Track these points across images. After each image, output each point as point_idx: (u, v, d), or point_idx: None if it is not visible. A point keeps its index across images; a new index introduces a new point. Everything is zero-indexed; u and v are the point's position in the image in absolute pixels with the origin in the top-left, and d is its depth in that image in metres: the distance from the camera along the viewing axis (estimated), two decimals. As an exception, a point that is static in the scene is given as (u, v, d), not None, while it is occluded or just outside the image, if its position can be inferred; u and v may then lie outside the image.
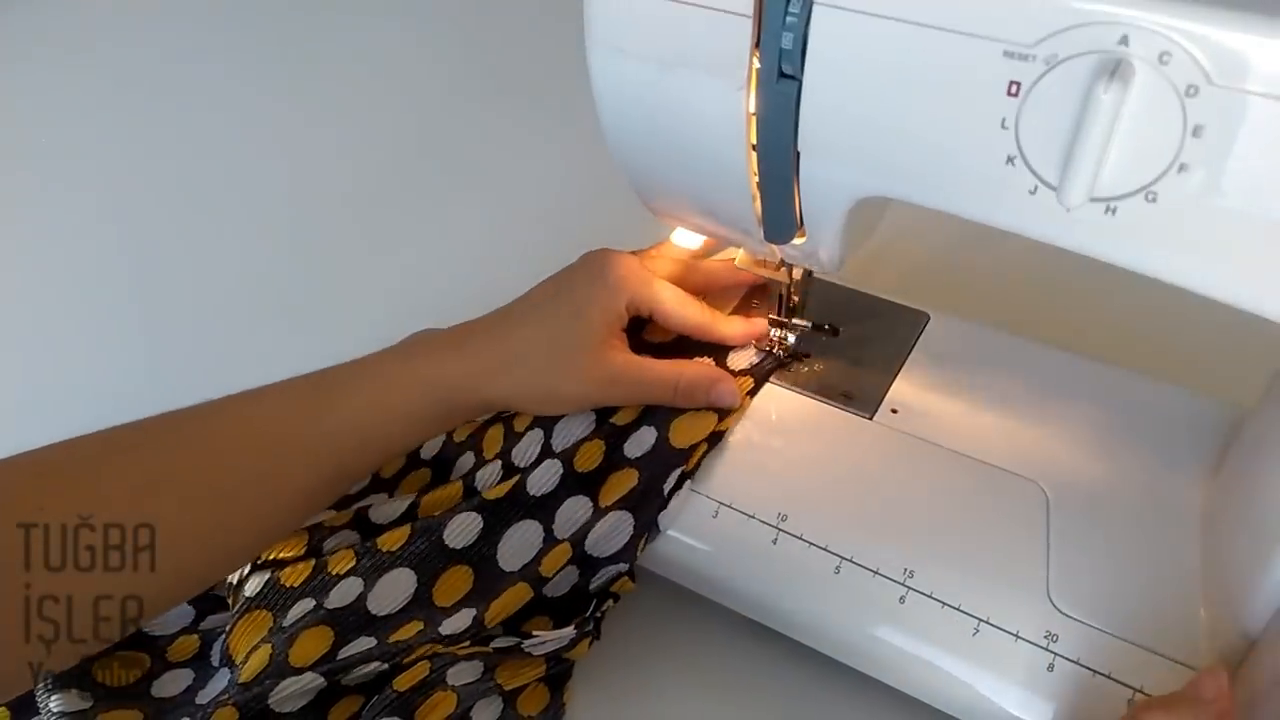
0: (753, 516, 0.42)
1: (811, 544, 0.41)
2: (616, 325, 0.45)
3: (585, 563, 0.43)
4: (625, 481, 0.43)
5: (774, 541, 0.41)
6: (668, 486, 0.43)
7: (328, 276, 0.66)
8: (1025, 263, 0.55)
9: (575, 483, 0.44)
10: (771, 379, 0.47)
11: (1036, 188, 0.29)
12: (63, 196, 0.75)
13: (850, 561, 0.40)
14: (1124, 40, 0.25)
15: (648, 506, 0.43)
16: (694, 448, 0.43)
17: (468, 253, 0.67)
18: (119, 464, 0.38)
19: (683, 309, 0.46)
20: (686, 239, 0.48)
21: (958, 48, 0.28)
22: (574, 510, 0.43)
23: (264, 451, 0.40)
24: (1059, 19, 0.26)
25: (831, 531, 0.41)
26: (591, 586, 0.43)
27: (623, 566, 0.42)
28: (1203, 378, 0.45)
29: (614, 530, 0.43)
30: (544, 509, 0.43)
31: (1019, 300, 0.55)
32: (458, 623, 0.41)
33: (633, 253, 0.49)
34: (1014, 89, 0.27)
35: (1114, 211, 0.28)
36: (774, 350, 0.47)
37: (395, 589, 0.42)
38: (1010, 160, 0.28)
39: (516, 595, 0.42)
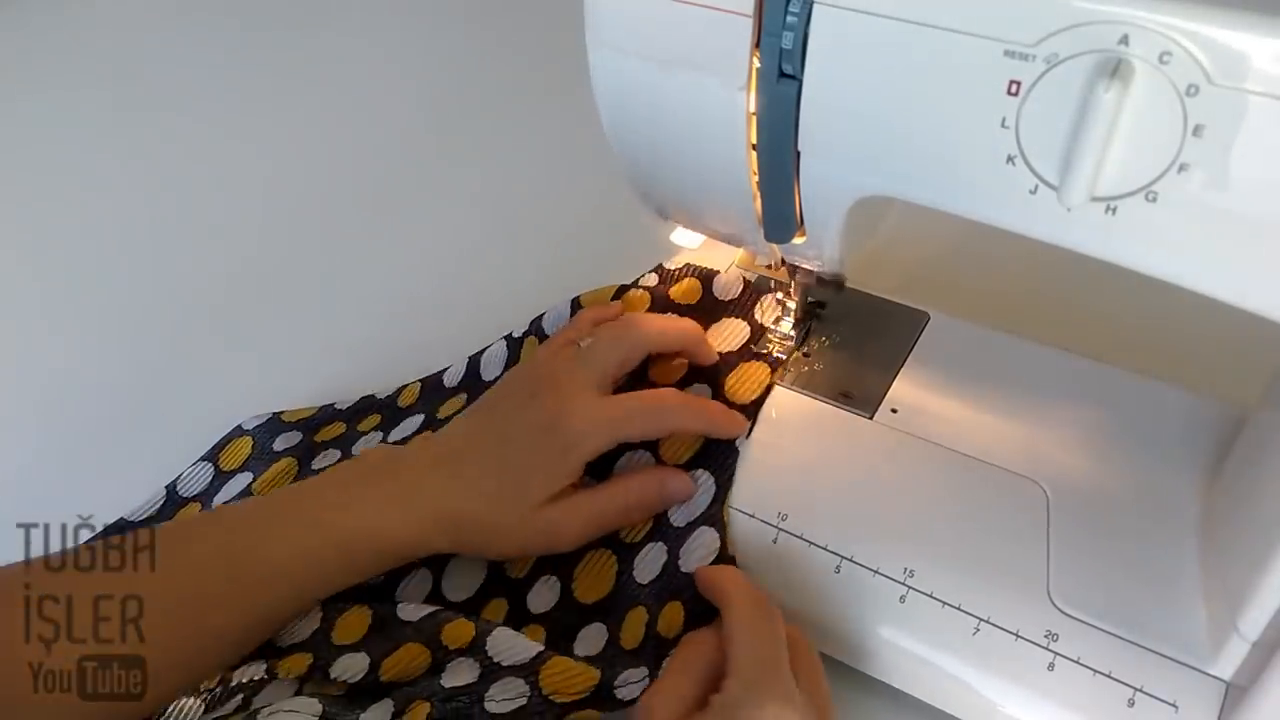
0: (753, 516, 0.42)
1: (811, 544, 0.41)
2: (570, 481, 0.42)
3: (669, 533, 0.42)
4: (688, 439, 0.44)
5: (774, 541, 0.41)
6: (740, 439, 0.44)
7: (328, 277, 0.66)
8: (1025, 263, 0.55)
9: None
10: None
11: (1037, 187, 0.29)
12: (60, 196, 0.75)
13: (850, 561, 0.40)
14: (1124, 40, 0.25)
15: (723, 461, 0.43)
16: (755, 402, 0.45)
17: (468, 254, 0.67)
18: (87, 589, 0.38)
19: (653, 421, 0.43)
20: (686, 239, 0.48)
21: (958, 47, 0.28)
22: (632, 463, 0.44)
23: (200, 589, 0.39)
24: (1059, 18, 0.26)
25: (831, 531, 0.41)
26: (682, 565, 0.41)
27: (713, 539, 0.41)
28: (1203, 378, 0.45)
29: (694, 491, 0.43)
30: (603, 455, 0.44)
31: (1019, 300, 0.55)
32: (541, 599, 0.43)
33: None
34: (1014, 88, 0.27)
35: (1114, 211, 0.28)
36: (772, 351, 0.48)
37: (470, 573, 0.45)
38: (1010, 160, 0.28)
39: (600, 564, 0.42)
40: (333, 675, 0.39)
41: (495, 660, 0.39)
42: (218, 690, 0.38)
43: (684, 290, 0.50)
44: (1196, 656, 0.36)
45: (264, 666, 0.39)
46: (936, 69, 0.28)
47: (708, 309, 0.49)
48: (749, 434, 0.44)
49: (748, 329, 0.48)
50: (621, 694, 0.38)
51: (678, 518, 0.43)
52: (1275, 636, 0.33)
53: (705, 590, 0.39)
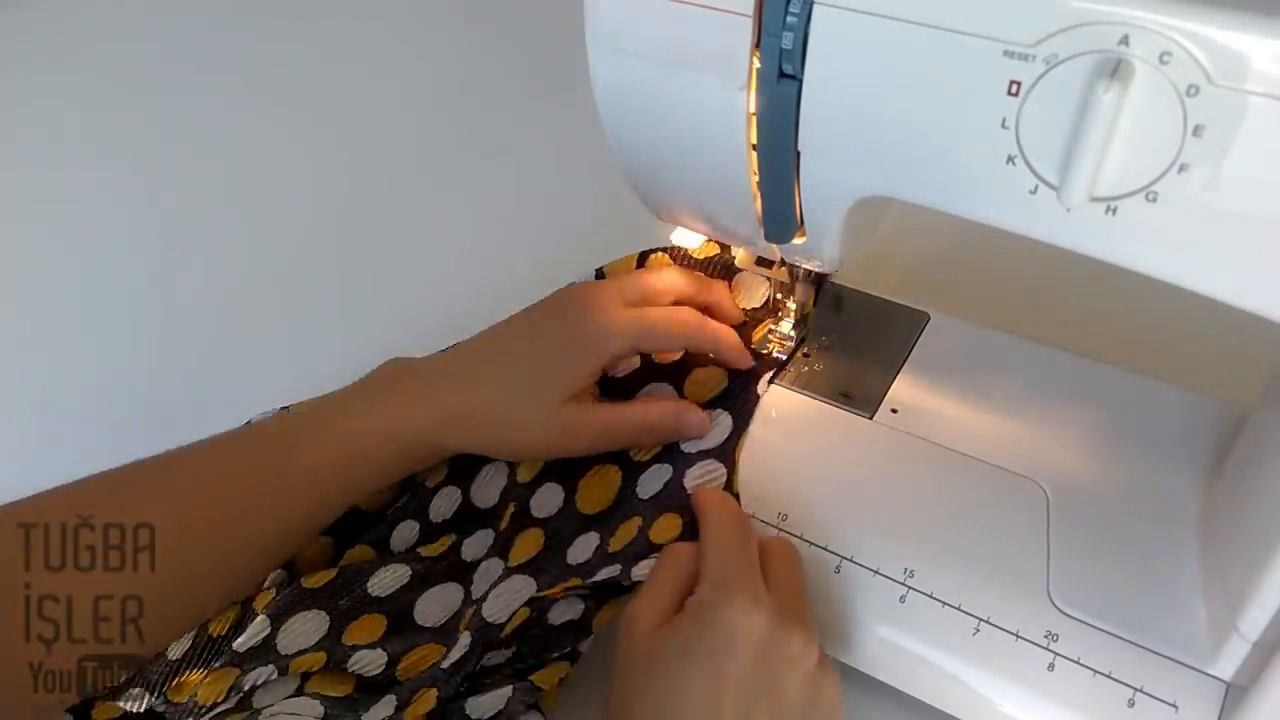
0: (753, 516, 0.42)
1: (812, 543, 0.41)
2: (589, 381, 0.44)
3: (677, 458, 0.43)
4: (712, 378, 0.46)
5: (774, 541, 0.41)
6: (761, 388, 0.45)
7: (329, 276, 0.66)
8: (1025, 263, 0.55)
9: (656, 373, 0.46)
10: (772, 379, 0.47)
11: (1037, 187, 0.29)
12: (64, 196, 0.75)
13: (850, 561, 0.40)
14: (1124, 40, 0.25)
15: (743, 405, 0.44)
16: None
17: (469, 253, 0.67)
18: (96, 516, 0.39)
19: (673, 330, 0.45)
20: (686, 239, 0.48)
21: (958, 47, 0.28)
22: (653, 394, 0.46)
23: (230, 499, 0.41)
24: (1059, 19, 0.26)
25: (831, 531, 0.41)
26: (686, 482, 0.42)
27: (719, 468, 0.43)
28: (1203, 378, 0.45)
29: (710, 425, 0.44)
30: (625, 389, 0.45)
31: (1019, 300, 0.55)
32: (542, 505, 0.44)
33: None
34: (1014, 89, 0.27)
35: (1114, 211, 0.28)
36: (772, 352, 0.48)
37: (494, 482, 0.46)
38: (1010, 160, 0.28)
39: (604, 477, 0.44)
40: (350, 669, 0.40)
41: (491, 622, 0.40)
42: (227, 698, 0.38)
43: (704, 249, 0.51)
44: (1196, 656, 0.36)
45: (274, 670, 0.39)
46: (936, 69, 0.28)
47: (728, 265, 0.50)
48: (771, 383, 0.46)
49: (768, 284, 0.49)
50: (597, 578, 0.40)
51: (689, 446, 0.44)
52: (1275, 636, 0.33)
53: (696, 510, 0.41)
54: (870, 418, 0.45)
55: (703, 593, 0.36)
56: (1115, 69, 0.25)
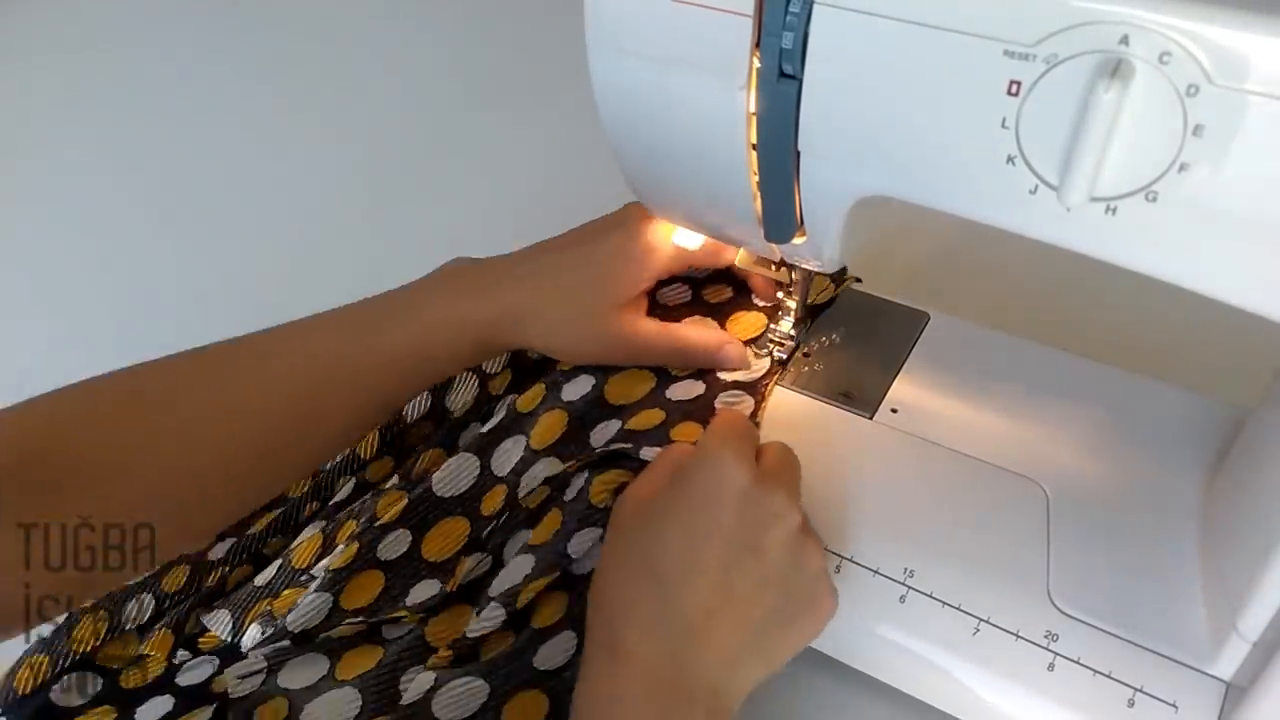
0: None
1: (812, 544, 0.41)
2: (644, 287, 0.46)
3: (710, 379, 0.46)
4: (755, 321, 0.48)
5: (774, 541, 0.41)
6: (801, 334, 0.48)
7: (329, 278, 0.66)
8: (1025, 263, 0.55)
9: (702, 309, 0.48)
10: (813, 320, 0.49)
11: (1037, 187, 0.29)
12: (64, 196, 0.75)
13: (850, 561, 0.40)
14: (1124, 40, 0.25)
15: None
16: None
17: (468, 253, 0.67)
18: (154, 411, 0.42)
19: (720, 248, 0.47)
20: (686, 239, 0.48)
21: (958, 47, 0.27)
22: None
23: (304, 386, 0.43)
24: (1059, 19, 0.26)
25: (831, 531, 0.41)
26: (717, 403, 0.44)
27: (747, 398, 0.45)
28: (1203, 378, 0.45)
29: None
30: (671, 319, 0.48)
31: (1019, 300, 0.55)
32: (572, 390, 0.45)
33: None
34: (1014, 88, 0.27)
35: (1114, 211, 0.28)
36: (774, 353, 0.48)
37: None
38: (1010, 160, 0.28)
39: (637, 377, 0.46)
40: (407, 602, 0.41)
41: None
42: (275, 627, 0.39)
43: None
44: (1196, 656, 0.36)
45: (330, 602, 0.40)
46: (936, 69, 0.28)
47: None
48: (811, 324, 0.49)
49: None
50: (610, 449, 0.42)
51: (725, 375, 0.46)
52: (1275, 636, 0.33)
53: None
54: (870, 418, 0.45)
55: (689, 458, 0.37)
56: (1115, 69, 0.25)
